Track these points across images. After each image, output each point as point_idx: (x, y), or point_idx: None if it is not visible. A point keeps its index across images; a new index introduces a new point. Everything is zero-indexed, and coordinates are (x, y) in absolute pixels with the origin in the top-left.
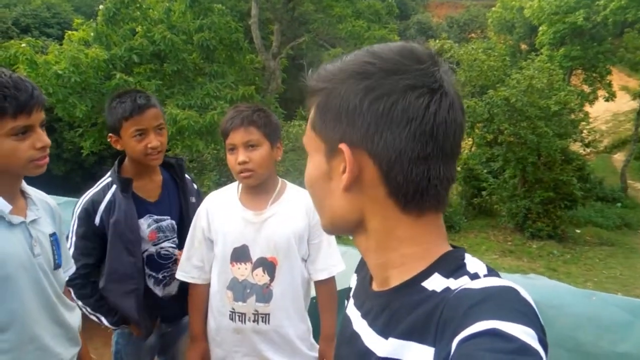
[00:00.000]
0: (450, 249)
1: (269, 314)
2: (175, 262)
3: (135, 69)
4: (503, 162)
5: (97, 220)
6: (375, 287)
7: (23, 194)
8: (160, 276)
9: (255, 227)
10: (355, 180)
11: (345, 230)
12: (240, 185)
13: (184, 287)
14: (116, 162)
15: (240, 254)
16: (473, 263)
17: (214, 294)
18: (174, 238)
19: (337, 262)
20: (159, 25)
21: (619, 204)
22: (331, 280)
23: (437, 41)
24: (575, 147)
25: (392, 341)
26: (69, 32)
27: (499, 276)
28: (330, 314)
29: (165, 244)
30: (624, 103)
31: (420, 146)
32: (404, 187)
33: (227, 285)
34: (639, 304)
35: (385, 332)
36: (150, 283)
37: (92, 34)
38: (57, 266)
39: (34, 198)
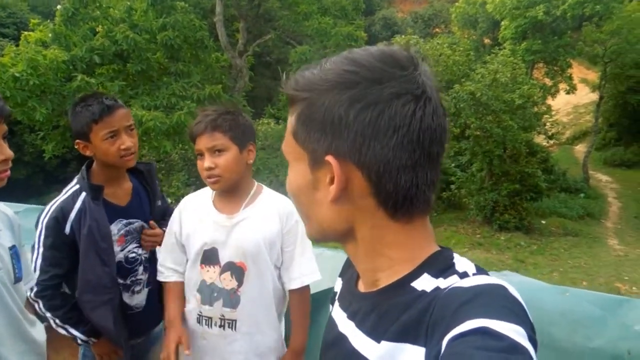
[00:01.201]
0: (439, 249)
1: (235, 320)
2: (140, 263)
3: (97, 69)
4: (470, 156)
5: (67, 229)
6: (362, 288)
7: None
8: (128, 282)
9: (225, 230)
10: (343, 191)
11: (333, 238)
12: None
13: (153, 297)
14: (83, 169)
15: (209, 257)
16: (462, 262)
17: (186, 296)
18: (139, 238)
19: (310, 271)
20: (120, 25)
21: (582, 195)
22: (304, 290)
23: (403, 37)
24: (539, 139)
25: (385, 344)
26: (26, 32)
27: (488, 275)
28: (300, 325)
29: (131, 246)
30: (583, 95)
31: (407, 154)
32: (393, 196)
33: (197, 287)
34: (610, 300)
35: (374, 333)
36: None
37: (50, 34)
38: (17, 280)
39: None
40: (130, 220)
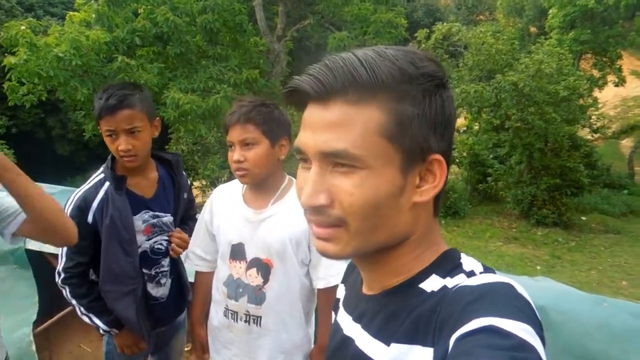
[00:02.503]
0: (447, 248)
1: (260, 317)
2: (166, 256)
3: (138, 51)
4: (509, 148)
5: (90, 218)
6: (368, 291)
7: None
8: (152, 272)
9: (253, 225)
10: None
11: (383, 247)
12: None
13: (176, 287)
14: (109, 158)
15: (236, 252)
16: (469, 262)
17: (215, 286)
18: (169, 231)
19: (337, 272)
20: (161, 7)
21: (625, 191)
22: (331, 290)
23: (445, 24)
24: (583, 133)
25: (395, 347)
26: (70, 13)
27: (495, 273)
28: (326, 323)
29: (159, 237)
30: (633, 88)
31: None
32: (442, 190)
33: (224, 281)
34: None
35: (382, 335)
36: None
37: (93, 15)
38: None
39: None
40: (158, 214)
